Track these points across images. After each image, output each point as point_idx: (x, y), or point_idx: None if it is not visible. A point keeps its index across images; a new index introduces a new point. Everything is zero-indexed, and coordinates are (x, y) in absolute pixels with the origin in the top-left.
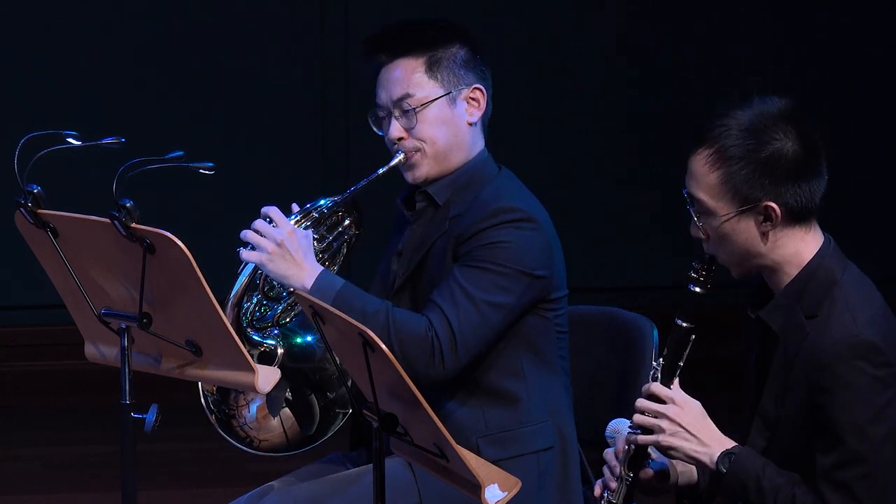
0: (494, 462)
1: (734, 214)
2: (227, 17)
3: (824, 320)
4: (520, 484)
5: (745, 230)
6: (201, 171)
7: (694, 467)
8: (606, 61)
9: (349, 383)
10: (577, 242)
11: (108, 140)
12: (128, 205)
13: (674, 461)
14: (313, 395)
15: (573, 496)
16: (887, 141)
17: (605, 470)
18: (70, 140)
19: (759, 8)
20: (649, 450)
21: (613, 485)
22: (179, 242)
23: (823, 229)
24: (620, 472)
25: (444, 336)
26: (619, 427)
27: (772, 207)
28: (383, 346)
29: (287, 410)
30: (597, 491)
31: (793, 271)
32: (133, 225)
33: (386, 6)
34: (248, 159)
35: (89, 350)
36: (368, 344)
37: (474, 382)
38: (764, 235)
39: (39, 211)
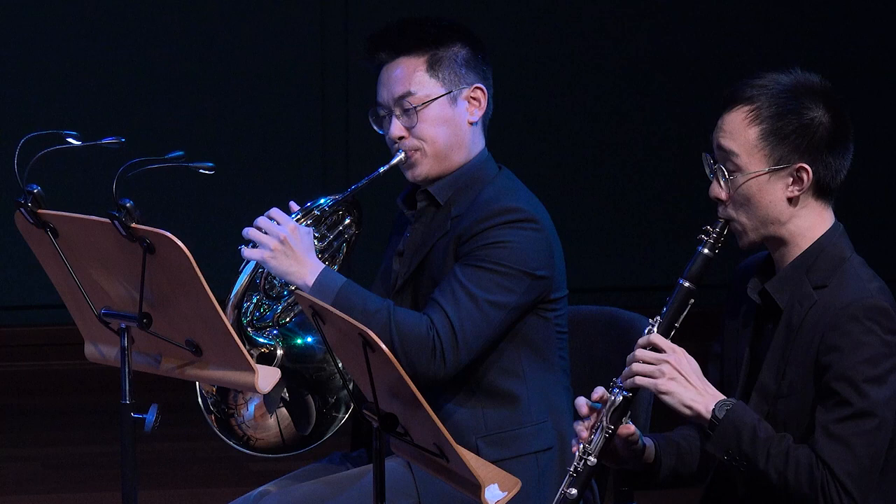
0: (494, 462)
1: (765, 172)
2: (227, 17)
3: (834, 289)
4: (520, 484)
5: (772, 192)
6: (201, 171)
7: (653, 449)
8: (607, 61)
9: (351, 386)
10: (577, 242)
11: (108, 140)
12: (128, 205)
13: (648, 444)
14: (310, 396)
15: None
16: (888, 141)
17: (577, 424)
18: (70, 140)
19: (760, 8)
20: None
21: (585, 434)
22: (179, 242)
23: None
24: (602, 423)
25: (445, 335)
26: None
27: (804, 169)
28: (383, 346)
29: (283, 410)
30: (574, 448)
31: (804, 244)
32: (133, 225)
33: (386, 5)
34: (249, 159)
35: (89, 350)
36: (368, 344)
37: (474, 382)
38: (789, 201)
39: (39, 211)
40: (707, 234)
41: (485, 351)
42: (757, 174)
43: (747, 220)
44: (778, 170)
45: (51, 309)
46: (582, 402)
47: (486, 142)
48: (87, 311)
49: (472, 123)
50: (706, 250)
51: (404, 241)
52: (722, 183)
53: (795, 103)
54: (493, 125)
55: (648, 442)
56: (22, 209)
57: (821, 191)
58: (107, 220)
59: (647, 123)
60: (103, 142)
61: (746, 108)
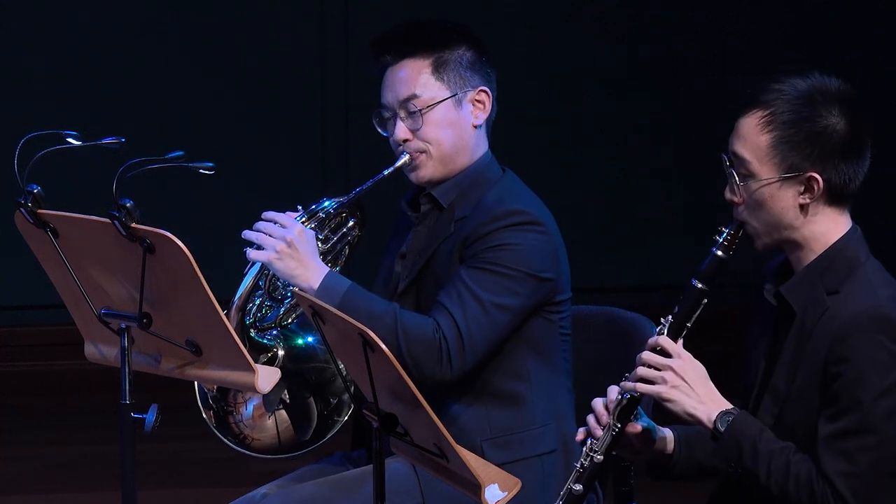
0: (498, 465)
1: (776, 180)
2: (228, 18)
3: (845, 296)
4: (520, 484)
5: (783, 199)
6: (201, 171)
7: (671, 438)
8: (608, 61)
9: (352, 389)
10: (577, 242)
11: (108, 140)
12: (128, 205)
13: (660, 428)
14: (312, 399)
15: None
16: (888, 141)
17: (590, 418)
18: (70, 140)
19: (759, 8)
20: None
21: (599, 433)
22: (179, 242)
23: None
24: (609, 422)
25: (451, 338)
26: None
27: (815, 178)
28: (383, 346)
29: (283, 413)
30: (579, 436)
31: (818, 249)
32: (133, 225)
33: (386, 5)
34: (249, 159)
35: (89, 350)
36: (368, 344)
37: (480, 385)
38: (801, 208)
39: (39, 211)
40: (721, 235)
41: (490, 353)
42: (768, 182)
43: (760, 224)
44: (788, 178)
45: (51, 309)
46: (602, 411)
47: (489, 142)
48: (87, 311)
49: (476, 126)
50: (720, 252)
51: (407, 243)
52: (735, 187)
53: (809, 110)
54: (496, 126)
55: (666, 433)
56: (22, 209)
57: (834, 198)
58: (107, 220)
59: (648, 124)
60: (103, 142)
61: (760, 112)
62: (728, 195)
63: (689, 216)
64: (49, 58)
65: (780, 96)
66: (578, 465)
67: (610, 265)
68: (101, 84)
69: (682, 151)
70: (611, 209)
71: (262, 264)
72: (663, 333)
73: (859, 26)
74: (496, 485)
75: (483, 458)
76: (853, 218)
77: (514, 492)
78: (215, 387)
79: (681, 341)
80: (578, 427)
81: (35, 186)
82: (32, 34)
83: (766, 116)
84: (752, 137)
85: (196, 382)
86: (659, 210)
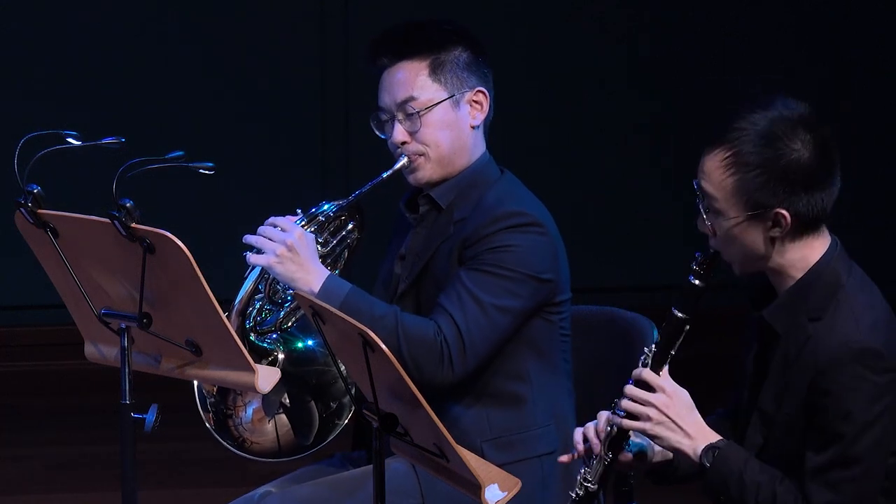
0: (499, 466)
1: (743, 219)
2: (228, 18)
3: (827, 324)
4: (520, 484)
5: (752, 234)
6: (201, 171)
7: None
8: (609, 61)
9: (353, 390)
10: (577, 242)
11: (108, 140)
12: (128, 205)
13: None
14: (313, 403)
15: None
16: (888, 141)
17: (577, 433)
18: (70, 140)
19: (759, 9)
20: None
21: (581, 448)
22: (179, 242)
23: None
24: (600, 452)
25: (453, 340)
26: None
27: (782, 215)
28: (383, 346)
29: (283, 417)
30: (563, 458)
31: (797, 274)
32: (133, 225)
33: (386, 5)
34: (249, 159)
35: (89, 350)
36: (368, 344)
37: (480, 386)
38: (771, 241)
39: (39, 211)
40: (698, 263)
41: (491, 355)
42: (737, 221)
43: (733, 256)
44: (755, 215)
45: (51, 309)
46: (594, 439)
47: (487, 143)
48: (87, 311)
49: (473, 127)
50: (697, 281)
51: (406, 244)
52: (706, 221)
53: (771, 149)
54: (493, 125)
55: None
56: (22, 209)
57: (807, 226)
58: (107, 220)
59: (648, 124)
60: (103, 142)
61: (722, 153)
62: (700, 227)
63: (689, 216)
64: (49, 58)
65: (741, 135)
66: (574, 495)
67: (610, 265)
68: (101, 84)
69: (682, 151)
70: (611, 209)
71: (262, 268)
72: (647, 365)
73: (859, 26)
74: (496, 485)
75: (483, 458)
76: (852, 220)
77: (514, 492)
78: (215, 390)
79: (666, 368)
80: (577, 426)
81: (35, 186)
82: (32, 34)
83: (728, 157)
84: (716, 178)
85: (196, 385)
86: (659, 210)
